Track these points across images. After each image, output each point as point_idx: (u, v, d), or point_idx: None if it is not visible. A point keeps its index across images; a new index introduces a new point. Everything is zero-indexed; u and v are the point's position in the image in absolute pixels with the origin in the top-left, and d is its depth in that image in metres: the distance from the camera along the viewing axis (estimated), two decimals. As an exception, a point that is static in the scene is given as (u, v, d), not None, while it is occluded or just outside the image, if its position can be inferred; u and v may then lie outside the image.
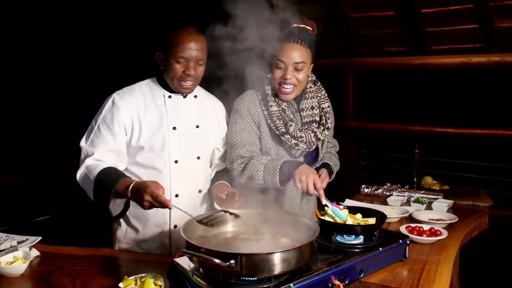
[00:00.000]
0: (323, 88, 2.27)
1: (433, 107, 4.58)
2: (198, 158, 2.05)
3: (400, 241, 1.77)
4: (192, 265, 1.49)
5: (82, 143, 1.94)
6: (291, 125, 2.08)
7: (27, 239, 1.96)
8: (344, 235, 1.77)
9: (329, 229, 1.79)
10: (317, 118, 2.18)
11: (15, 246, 1.84)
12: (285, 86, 2.06)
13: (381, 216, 1.85)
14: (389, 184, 2.91)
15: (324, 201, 1.89)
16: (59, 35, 3.83)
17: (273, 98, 2.11)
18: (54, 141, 1.94)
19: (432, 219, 2.27)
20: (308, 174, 1.91)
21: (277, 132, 2.08)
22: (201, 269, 1.46)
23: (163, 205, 1.63)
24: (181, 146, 1.99)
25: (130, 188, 1.69)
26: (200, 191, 2.07)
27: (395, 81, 4.81)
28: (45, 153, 2.03)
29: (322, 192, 1.91)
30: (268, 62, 2.09)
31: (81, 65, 4.04)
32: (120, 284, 1.51)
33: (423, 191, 2.73)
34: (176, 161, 1.98)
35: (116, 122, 1.92)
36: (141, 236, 2.03)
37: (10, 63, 3.63)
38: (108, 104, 1.96)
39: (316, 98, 2.21)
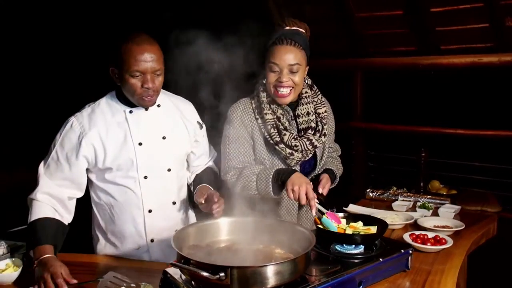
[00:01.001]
0: (319, 93, 2.20)
1: (442, 108, 4.49)
2: (169, 170, 1.97)
3: (402, 250, 1.70)
4: (184, 276, 1.45)
5: (41, 166, 1.89)
6: (285, 134, 2.02)
7: (21, 245, 1.93)
8: (344, 245, 1.72)
9: (327, 238, 1.73)
10: (313, 125, 2.10)
11: (7, 253, 1.81)
12: (281, 89, 2.00)
13: (382, 225, 1.78)
14: (395, 188, 2.83)
15: (314, 212, 1.83)
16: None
17: (268, 106, 2.05)
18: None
19: (438, 226, 2.19)
20: (300, 184, 1.86)
21: (271, 141, 2.03)
22: (193, 282, 1.42)
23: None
24: (149, 160, 1.91)
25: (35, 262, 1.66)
26: (174, 202, 2.01)
27: (403, 82, 4.74)
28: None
29: (313, 203, 1.84)
30: (261, 68, 2.05)
31: (86, 67, 4.02)
32: None
33: (430, 196, 2.65)
34: (145, 177, 1.91)
35: (74, 151, 1.85)
36: (120, 251, 1.99)
37: (20, 65, 3.64)
38: (66, 129, 1.88)
39: (313, 103, 2.14)
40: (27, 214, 1.82)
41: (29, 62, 3.78)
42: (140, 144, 1.90)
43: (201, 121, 2.11)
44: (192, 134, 2.05)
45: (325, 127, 2.13)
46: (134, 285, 1.49)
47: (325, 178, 2.10)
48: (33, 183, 1.87)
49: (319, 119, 2.13)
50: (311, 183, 1.97)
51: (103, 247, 2.03)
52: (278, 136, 2.02)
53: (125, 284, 1.48)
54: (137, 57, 1.77)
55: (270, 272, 1.30)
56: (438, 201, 2.59)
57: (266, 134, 2.04)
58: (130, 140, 1.89)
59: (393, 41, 4.68)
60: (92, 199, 2.01)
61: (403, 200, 2.64)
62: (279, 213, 2.13)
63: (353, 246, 1.70)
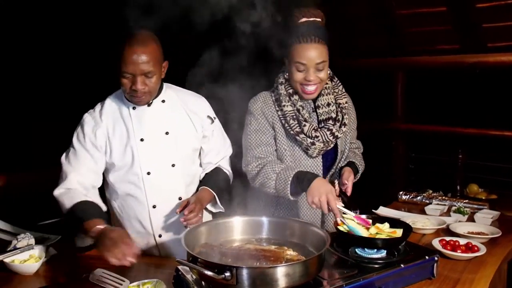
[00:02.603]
0: (340, 84, 2.16)
1: (488, 108, 4.26)
2: (173, 165, 1.95)
3: (427, 257, 1.61)
4: (194, 276, 1.42)
5: (63, 159, 1.92)
6: (305, 125, 1.98)
7: (47, 238, 1.98)
8: (365, 249, 1.64)
9: (347, 241, 1.66)
10: (333, 115, 2.06)
11: (31, 244, 1.85)
12: (308, 87, 1.97)
13: (406, 229, 1.68)
14: (430, 191, 2.71)
15: (339, 221, 1.75)
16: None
17: (287, 98, 2.02)
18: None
19: (472, 233, 2.07)
20: (320, 195, 1.77)
21: (291, 131, 1.99)
22: (202, 282, 1.39)
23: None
24: (152, 156, 1.91)
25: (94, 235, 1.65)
26: (180, 198, 1.97)
27: (446, 81, 4.54)
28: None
29: (337, 212, 1.75)
30: (280, 61, 2.01)
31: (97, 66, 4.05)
32: None
33: (466, 200, 2.51)
34: (148, 173, 1.91)
35: (91, 142, 1.89)
36: None
37: (37, 64, 3.74)
38: (82, 123, 1.94)
39: (333, 94, 2.10)
40: (54, 207, 1.85)
41: (47, 60, 3.88)
42: (142, 140, 1.91)
43: (213, 116, 2.07)
44: (200, 130, 2.03)
45: (345, 117, 2.08)
46: (124, 279, 1.49)
47: (347, 171, 2.04)
48: (57, 179, 1.91)
49: (339, 109, 2.09)
50: (334, 180, 1.95)
51: None
52: (298, 127, 1.99)
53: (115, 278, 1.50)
54: (126, 58, 1.75)
55: (278, 274, 1.25)
56: (475, 206, 2.45)
57: (286, 125, 2.00)
58: (133, 136, 1.91)
59: (436, 39, 4.49)
60: (106, 196, 2.03)
61: (437, 204, 2.51)
62: (302, 211, 2.07)
63: (375, 250, 1.62)
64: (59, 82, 3.86)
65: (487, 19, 3.97)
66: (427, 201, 2.58)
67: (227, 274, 1.24)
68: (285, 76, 2.06)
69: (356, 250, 1.64)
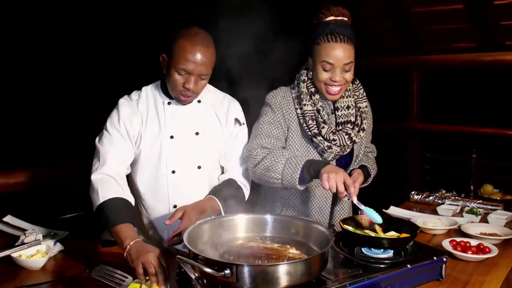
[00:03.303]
0: (361, 87, 2.11)
1: (506, 108, 4.17)
2: (199, 167, 1.93)
3: (435, 258, 1.57)
4: (196, 273, 1.41)
5: (97, 142, 1.88)
6: (323, 127, 1.94)
7: (54, 233, 1.99)
8: (372, 249, 1.61)
9: (353, 240, 1.63)
10: (352, 119, 2.02)
11: (38, 240, 1.86)
12: (333, 88, 1.93)
13: (413, 229, 1.65)
14: (444, 191, 2.65)
15: (356, 200, 1.69)
16: (75, 35, 3.92)
17: (308, 97, 1.98)
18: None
19: (485, 234, 2.01)
20: (337, 172, 1.72)
21: (309, 132, 1.95)
22: (204, 280, 1.38)
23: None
24: (179, 155, 1.88)
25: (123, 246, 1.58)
26: None
27: (463, 80, 4.46)
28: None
29: (352, 190, 1.69)
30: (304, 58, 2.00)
31: (110, 62, 4.09)
32: None
33: (480, 201, 2.45)
34: (173, 171, 1.88)
35: (125, 129, 1.87)
36: (151, 242, 1.95)
37: (50, 62, 3.79)
38: (117, 108, 1.91)
39: (353, 97, 2.06)
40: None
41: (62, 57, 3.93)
42: (171, 137, 1.89)
43: (242, 121, 2.03)
44: (228, 133, 1.99)
45: (364, 121, 2.04)
46: (127, 276, 1.49)
47: (356, 172, 2.01)
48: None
49: (359, 113, 2.04)
50: None
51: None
52: (316, 128, 1.95)
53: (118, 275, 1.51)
54: (188, 56, 1.74)
55: (279, 272, 1.24)
56: (489, 207, 2.39)
57: (304, 125, 1.96)
58: (164, 132, 1.89)
59: (452, 37, 4.43)
60: None
61: (450, 204, 2.46)
62: (310, 211, 2.04)
63: (382, 250, 1.59)
64: (82, 80, 3.92)
65: (505, 17, 3.90)
66: (440, 201, 2.53)
67: (227, 271, 1.23)
68: (309, 74, 2.02)
69: (363, 249, 1.61)
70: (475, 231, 2.03)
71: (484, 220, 2.25)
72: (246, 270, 1.23)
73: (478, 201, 2.45)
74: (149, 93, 1.95)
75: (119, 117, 1.89)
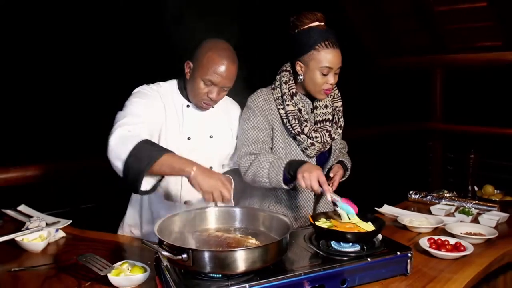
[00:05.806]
0: (336, 87, 2.22)
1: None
2: (211, 168, 2.02)
3: (398, 253, 1.62)
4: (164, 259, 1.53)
5: (118, 116, 1.86)
6: (306, 126, 2.04)
7: (58, 222, 2.17)
8: (341, 243, 1.67)
9: (322, 234, 1.71)
10: (330, 117, 2.14)
11: (41, 226, 2.04)
12: (327, 89, 2.04)
13: (380, 224, 1.70)
14: (445, 191, 2.66)
15: (329, 196, 1.79)
16: (86, 34, 4.09)
17: (290, 98, 2.07)
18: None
19: (470, 233, 2.03)
20: (311, 171, 1.82)
21: (292, 131, 2.05)
22: (175, 267, 1.49)
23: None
24: (194, 156, 1.92)
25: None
26: None
27: (488, 79, 4.36)
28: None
29: (326, 187, 1.79)
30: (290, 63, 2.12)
31: (120, 60, 4.26)
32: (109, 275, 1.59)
33: (476, 201, 2.44)
34: None
35: (150, 102, 1.92)
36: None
37: (60, 60, 3.99)
38: (143, 87, 1.98)
39: (330, 97, 2.18)
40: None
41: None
42: (189, 138, 2.01)
43: None
44: (235, 136, 2.15)
45: (341, 119, 2.16)
46: (110, 265, 1.59)
47: (336, 166, 2.13)
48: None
49: (335, 112, 2.16)
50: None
51: (131, 229, 2.18)
52: (299, 127, 2.04)
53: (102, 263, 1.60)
54: (216, 69, 1.87)
55: (231, 258, 1.34)
56: (485, 207, 2.38)
57: (287, 124, 2.05)
58: (182, 132, 2.01)
59: (477, 36, 4.35)
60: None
61: (445, 204, 2.47)
62: (297, 205, 2.14)
63: (350, 244, 1.66)
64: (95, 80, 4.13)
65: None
66: (436, 201, 2.54)
67: (184, 255, 1.35)
68: (289, 76, 2.10)
69: (332, 243, 1.68)
70: (460, 230, 2.04)
71: (477, 220, 2.24)
72: (200, 255, 1.34)
73: (474, 202, 2.44)
74: (168, 91, 2.03)
75: (145, 94, 1.94)
